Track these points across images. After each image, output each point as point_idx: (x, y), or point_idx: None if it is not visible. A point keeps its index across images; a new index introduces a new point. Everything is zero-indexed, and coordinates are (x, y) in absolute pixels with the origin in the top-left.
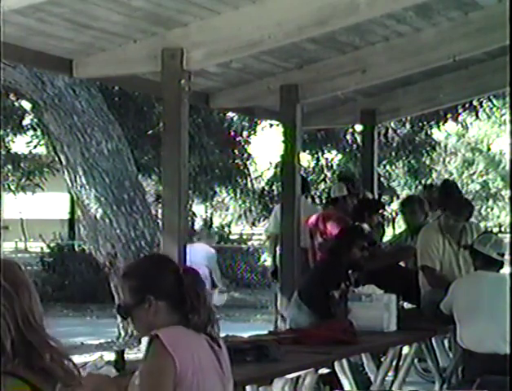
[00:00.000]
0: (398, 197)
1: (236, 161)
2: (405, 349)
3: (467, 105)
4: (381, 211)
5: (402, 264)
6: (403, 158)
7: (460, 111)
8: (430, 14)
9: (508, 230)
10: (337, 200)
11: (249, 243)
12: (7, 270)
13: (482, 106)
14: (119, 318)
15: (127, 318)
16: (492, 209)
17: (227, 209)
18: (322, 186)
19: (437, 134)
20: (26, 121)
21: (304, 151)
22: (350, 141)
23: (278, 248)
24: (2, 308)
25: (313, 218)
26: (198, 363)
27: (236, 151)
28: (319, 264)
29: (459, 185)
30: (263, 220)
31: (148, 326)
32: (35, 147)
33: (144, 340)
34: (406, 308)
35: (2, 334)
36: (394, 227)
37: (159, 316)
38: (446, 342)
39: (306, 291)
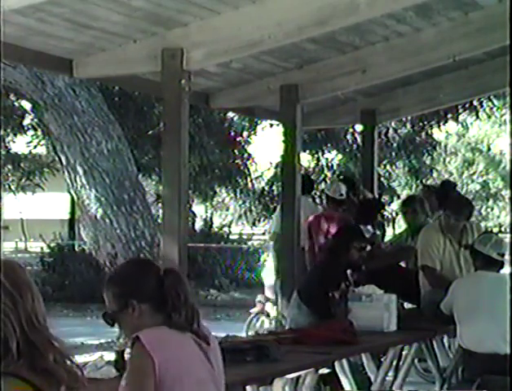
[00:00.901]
0: (398, 197)
1: (236, 161)
2: (405, 349)
3: (467, 105)
4: (381, 211)
5: (402, 264)
6: (404, 158)
7: (460, 111)
8: (430, 14)
9: (508, 230)
10: (336, 201)
11: (249, 243)
12: (9, 271)
13: (482, 106)
14: None
15: (114, 325)
16: (492, 209)
17: (227, 209)
18: (322, 186)
19: (437, 134)
20: (26, 121)
21: (304, 151)
22: (350, 141)
23: None
24: (6, 309)
25: (313, 218)
26: (182, 362)
27: (236, 151)
28: (318, 264)
29: (459, 185)
30: (263, 220)
31: (134, 329)
32: (35, 147)
33: None
34: (406, 308)
35: (7, 335)
36: (394, 227)
37: (143, 318)
38: (446, 342)
39: (306, 291)
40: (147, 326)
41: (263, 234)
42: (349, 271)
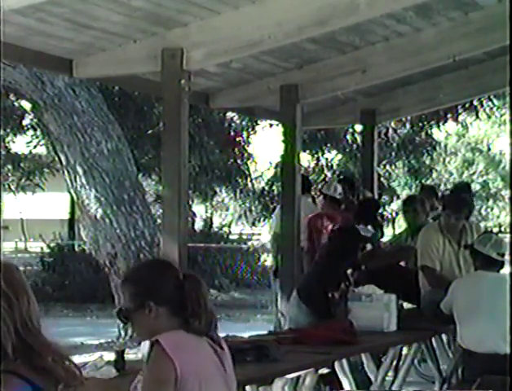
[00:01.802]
0: (398, 197)
1: (236, 161)
2: (405, 349)
3: (467, 105)
4: (379, 211)
5: (402, 264)
6: (404, 158)
7: (460, 111)
8: (430, 14)
9: (508, 230)
10: (336, 200)
11: (249, 243)
12: (6, 273)
13: (482, 106)
14: None
15: (127, 323)
16: (492, 209)
17: (227, 209)
18: (320, 186)
19: (437, 134)
20: (26, 121)
21: (304, 151)
22: (350, 141)
23: None
24: (2, 311)
25: (313, 217)
26: (200, 367)
27: (236, 151)
28: (318, 264)
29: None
30: (263, 220)
31: (149, 331)
32: (35, 147)
33: (145, 341)
34: (406, 308)
35: (2, 337)
36: (394, 227)
37: (159, 321)
38: (446, 342)
39: (306, 290)
40: (162, 328)
41: (259, 234)
42: (349, 271)
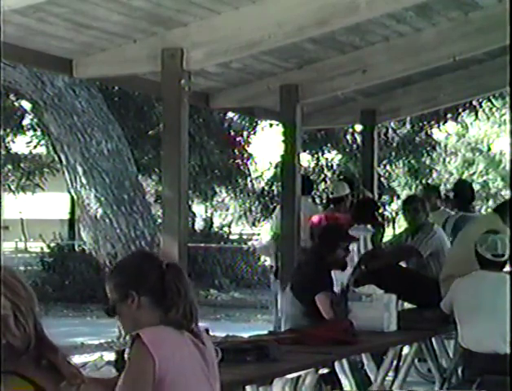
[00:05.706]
0: (398, 197)
1: (236, 161)
2: (405, 349)
3: (467, 105)
4: (377, 210)
5: (402, 264)
6: (404, 158)
7: (460, 111)
8: (430, 14)
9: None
10: (338, 200)
11: (249, 243)
12: (22, 280)
13: (482, 106)
14: None
15: (114, 316)
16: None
17: (227, 209)
18: (322, 186)
19: (437, 134)
20: (26, 121)
21: (304, 151)
22: (350, 141)
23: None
24: (26, 307)
25: (315, 218)
26: (180, 363)
27: (236, 151)
28: (307, 261)
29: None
30: (263, 220)
31: (132, 322)
32: (35, 147)
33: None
34: (406, 308)
35: (21, 333)
36: (394, 227)
37: (141, 312)
38: (446, 342)
39: (298, 288)
40: (144, 320)
41: (259, 234)
42: (350, 271)
